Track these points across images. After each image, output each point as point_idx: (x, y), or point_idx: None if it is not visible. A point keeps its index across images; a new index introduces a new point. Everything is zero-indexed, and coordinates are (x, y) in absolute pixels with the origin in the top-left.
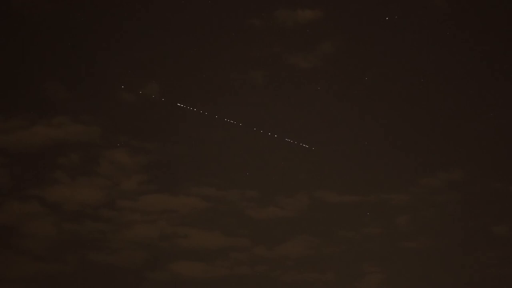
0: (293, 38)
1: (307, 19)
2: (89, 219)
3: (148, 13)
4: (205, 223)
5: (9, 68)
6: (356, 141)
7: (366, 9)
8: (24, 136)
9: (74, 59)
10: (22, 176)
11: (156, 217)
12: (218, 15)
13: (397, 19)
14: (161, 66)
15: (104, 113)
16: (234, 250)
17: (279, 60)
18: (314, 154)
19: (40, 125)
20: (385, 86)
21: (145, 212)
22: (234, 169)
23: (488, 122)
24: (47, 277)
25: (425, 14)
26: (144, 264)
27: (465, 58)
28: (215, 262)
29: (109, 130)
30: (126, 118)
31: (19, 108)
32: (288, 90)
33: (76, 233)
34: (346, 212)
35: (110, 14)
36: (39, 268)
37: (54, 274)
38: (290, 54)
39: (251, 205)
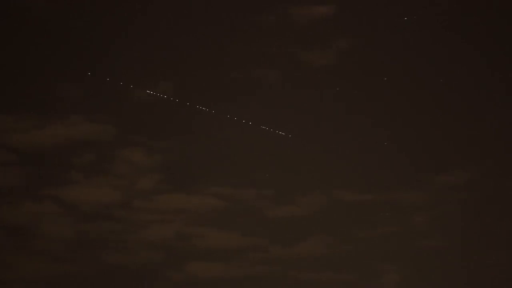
0: (307, 35)
1: (321, 15)
2: (105, 219)
3: (161, 12)
4: (222, 222)
5: (23, 68)
6: (373, 139)
7: (381, 7)
8: (38, 136)
9: (88, 58)
10: (37, 176)
11: (172, 217)
12: (231, 12)
13: (415, 18)
14: (175, 65)
15: (119, 113)
16: (250, 249)
17: (293, 58)
18: (331, 153)
19: (55, 124)
20: (401, 84)
21: (161, 212)
22: (250, 168)
23: (507, 119)
24: (63, 278)
25: (444, 13)
26: (160, 265)
27: (484, 55)
28: (232, 262)
29: (124, 130)
30: (141, 117)
31: (33, 108)
32: (303, 88)
33: (92, 234)
34: (362, 210)
35: (123, 13)
36: (55, 269)
37: (70, 275)
38: (304, 51)
39: (267, 204)
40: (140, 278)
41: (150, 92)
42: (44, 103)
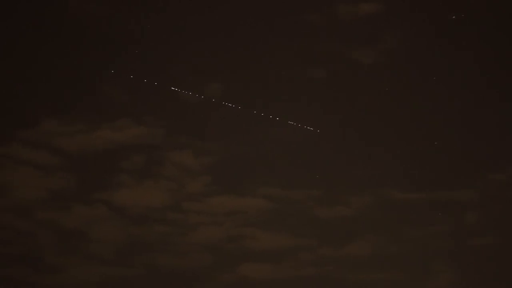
0: (353, 33)
1: (367, 13)
2: (155, 222)
3: (209, 13)
4: (272, 223)
5: (70, 72)
6: (422, 138)
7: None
8: (87, 139)
9: (135, 61)
10: (87, 180)
11: (222, 219)
12: (277, 12)
13: (463, 16)
14: (223, 67)
15: (167, 115)
16: (301, 250)
17: (340, 56)
18: (380, 152)
19: (103, 128)
20: (450, 82)
21: (211, 214)
22: (299, 169)
23: None
24: (114, 281)
25: (495, 13)
26: (211, 267)
27: None
28: (282, 263)
29: (172, 132)
30: (189, 119)
31: (81, 112)
32: (351, 87)
33: (143, 237)
34: (413, 210)
35: (170, 15)
36: (106, 272)
37: (121, 277)
38: (351, 49)
39: (317, 205)
40: (191, 281)
41: (197, 95)
42: (92, 107)
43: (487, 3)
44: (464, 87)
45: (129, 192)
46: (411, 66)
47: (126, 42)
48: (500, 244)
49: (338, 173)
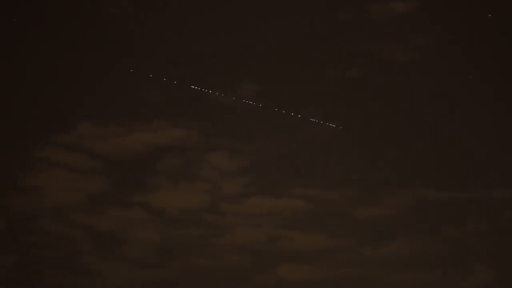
0: (384, 32)
1: (398, 11)
2: (193, 223)
3: (241, 15)
4: (309, 224)
5: (106, 76)
6: (459, 137)
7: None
8: (124, 142)
9: (170, 63)
10: (124, 182)
11: (259, 220)
12: (308, 11)
13: (499, 15)
14: (257, 68)
15: (203, 116)
16: (339, 251)
17: (374, 56)
18: (416, 152)
19: (140, 131)
20: (486, 81)
21: (248, 215)
22: (336, 169)
23: None
24: (152, 283)
25: None
26: (249, 268)
27: None
28: (321, 263)
29: (208, 134)
30: (224, 120)
31: (117, 115)
32: (386, 87)
33: (180, 239)
34: (450, 209)
35: (205, 17)
36: (145, 274)
37: (159, 280)
38: (383, 48)
39: (354, 205)
40: (228, 282)
41: (232, 97)
42: (126, 109)
43: None
44: (500, 86)
45: (166, 194)
46: (445, 65)
47: (162, 46)
48: None
49: (375, 174)
